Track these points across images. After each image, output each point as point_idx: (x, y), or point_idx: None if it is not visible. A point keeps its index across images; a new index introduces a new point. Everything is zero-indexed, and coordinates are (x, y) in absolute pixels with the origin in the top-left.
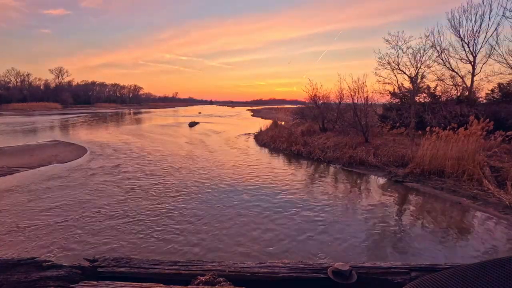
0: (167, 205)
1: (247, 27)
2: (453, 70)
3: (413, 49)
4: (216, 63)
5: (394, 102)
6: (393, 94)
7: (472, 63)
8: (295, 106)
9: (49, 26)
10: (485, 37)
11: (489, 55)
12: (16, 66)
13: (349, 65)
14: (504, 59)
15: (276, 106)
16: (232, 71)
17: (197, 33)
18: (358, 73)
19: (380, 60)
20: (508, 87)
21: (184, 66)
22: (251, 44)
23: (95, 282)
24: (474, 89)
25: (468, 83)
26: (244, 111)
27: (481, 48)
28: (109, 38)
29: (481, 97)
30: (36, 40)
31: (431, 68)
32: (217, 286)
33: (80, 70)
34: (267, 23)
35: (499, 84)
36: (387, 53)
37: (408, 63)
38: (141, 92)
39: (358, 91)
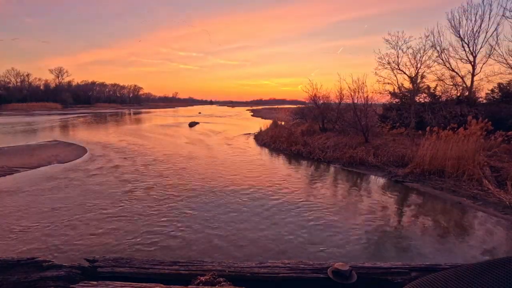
0: (167, 206)
1: (259, 15)
2: (453, 70)
3: (413, 49)
4: (219, 59)
5: (394, 102)
6: (393, 94)
7: (472, 63)
8: (295, 106)
9: (32, 14)
10: (485, 37)
11: (489, 55)
12: None
13: (368, 62)
14: (504, 59)
15: (276, 106)
16: (235, 69)
17: (199, 24)
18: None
19: (380, 60)
20: (508, 87)
21: (183, 63)
22: (260, 38)
23: (95, 282)
24: (474, 89)
25: (468, 83)
26: (244, 111)
27: (481, 48)
28: (99, 30)
29: (481, 97)
30: (19, 32)
31: (431, 68)
32: (217, 286)
33: (69, 68)
34: (280, 10)
35: (499, 84)
36: (387, 53)
37: (408, 63)
38: (141, 92)
39: (358, 91)
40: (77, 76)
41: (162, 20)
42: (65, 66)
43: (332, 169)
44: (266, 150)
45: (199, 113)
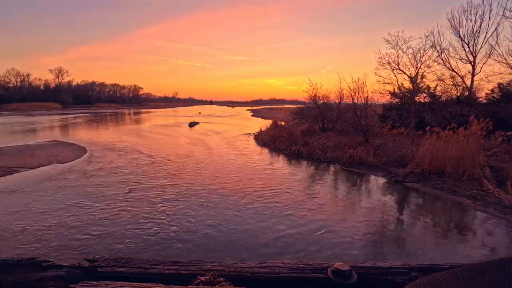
0: (167, 206)
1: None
2: (453, 70)
3: (413, 49)
4: (226, 54)
5: (394, 102)
6: (393, 94)
7: (472, 63)
8: (295, 106)
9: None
10: (485, 37)
11: (489, 55)
12: None
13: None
14: (504, 59)
15: (276, 106)
16: (240, 66)
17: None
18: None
19: (380, 60)
20: (508, 87)
21: (182, 58)
22: (269, 31)
23: (95, 282)
24: (474, 89)
25: (468, 83)
26: (244, 111)
27: (481, 48)
28: (80, 17)
29: (481, 97)
30: None
31: (431, 68)
32: (217, 286)
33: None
34: None
35: (499, 84)
36: (387, 53)
37: (408, 63)
38: (141, 92)
39: (358, 91)
40: (74, 75)
41: (159, 10)
42: (52, 64)
43: (332, 169)
44: (266, 150)
45: (199, 113)
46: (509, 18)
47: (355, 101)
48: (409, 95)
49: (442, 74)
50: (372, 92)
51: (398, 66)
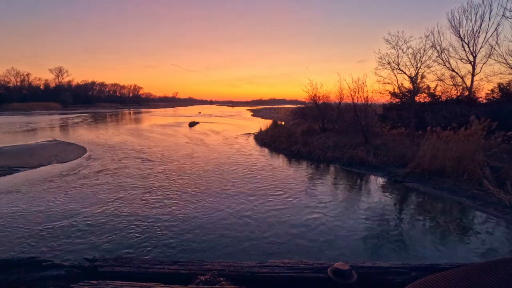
0: (166, 207)
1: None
2: (453, 70)
3: (413, 49)
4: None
5: (394, 102)
6: (393, 94)
7: (472, 63)
8: (295, 106)
9: None
10: (485, 37)
11: (489, 55)
12: None
13: None
14: (504, 59)
15: (276, 106)
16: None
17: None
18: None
19: (380, 60)
20: (508, 87)
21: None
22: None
23: (95, 282)
24: (474, 89)
25: (468, 83)
26: (244, 111)
27: (481, 48)
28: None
29: (481, 97)
30: None
31: (431, 68)
32: (217, 286)
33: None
34: None
35: (499, 84)
36: (387, 53)
37: (408, 63)
38: (141, 92)
39: (358, 91)
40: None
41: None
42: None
43: (332, 169)
44: (266, 150)
45: (199, 113)
46: (509, 18)
47: (355, 101)
48: (409, 95)
49: (442, 74)
50: (372, 92)
51: (398, 66)
